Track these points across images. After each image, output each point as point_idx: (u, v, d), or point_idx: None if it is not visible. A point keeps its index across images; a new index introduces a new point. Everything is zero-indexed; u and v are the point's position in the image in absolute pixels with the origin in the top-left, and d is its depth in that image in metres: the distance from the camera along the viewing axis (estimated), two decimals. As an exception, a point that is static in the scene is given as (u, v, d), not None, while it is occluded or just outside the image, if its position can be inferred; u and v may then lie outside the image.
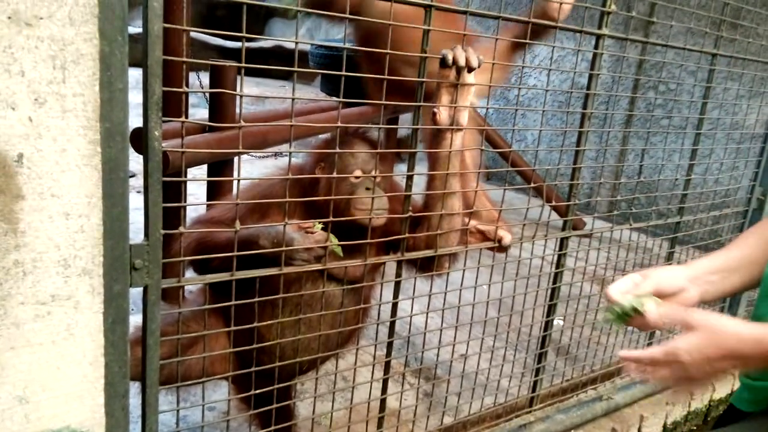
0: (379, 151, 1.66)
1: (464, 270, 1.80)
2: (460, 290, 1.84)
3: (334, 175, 1.54)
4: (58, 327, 1.06)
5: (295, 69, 1.31)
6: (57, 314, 1.05)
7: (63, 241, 1.02)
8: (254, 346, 1.50)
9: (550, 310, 2.15)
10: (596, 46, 1.90)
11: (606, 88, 5.45)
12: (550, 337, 2.18)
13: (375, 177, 1.64)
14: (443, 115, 1.61)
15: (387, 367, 1.76)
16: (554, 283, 2.12)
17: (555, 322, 2.20)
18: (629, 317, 1.21)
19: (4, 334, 1.01)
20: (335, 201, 1.56)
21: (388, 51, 1.43)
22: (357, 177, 1.64)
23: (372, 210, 1.57)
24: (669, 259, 2.55)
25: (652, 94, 5.14)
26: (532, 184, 2.05)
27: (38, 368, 1.06)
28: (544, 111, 1.83)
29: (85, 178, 1.02)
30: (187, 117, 1.24)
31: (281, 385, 1.58)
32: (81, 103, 0.99)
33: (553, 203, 2.58)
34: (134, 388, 1.28)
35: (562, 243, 2.08)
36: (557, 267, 2.10)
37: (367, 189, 1.63)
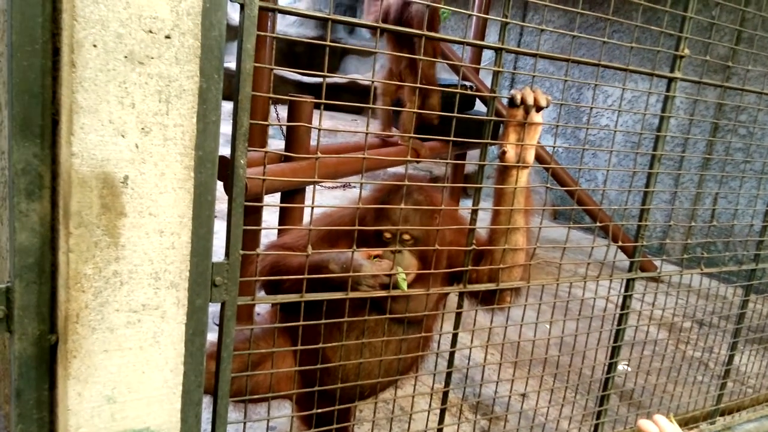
0: (443, 184, 1.72)
1: (525, 306, 1.81)
2: (521, 326, 1.85)
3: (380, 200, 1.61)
4: (146, 334, 1.16)
5: (371, 106, 1.40)
6: (146, 322, 1.15)
7: (156, 256, 1.13)
8: (318, 366, 1.57)
9: (614, 352, 2.11)
10: (668, 89, 1.91)
11: (683, 130, 5.32)
12: (612, 380, 2.13)
13: (403, 242, 1.67)
14: (510, 153, 1.65)
15: (445, 397, 1.78)
16: (619, 325, 2.09)
17: (620, 368, 2.15)
18: None
19: (99, 337, 1.12)
20: None
21: (457, 91, 1.50)
22: (387, 237, 1.70)
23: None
24: (743, 307, 2.46)
25: (730, 138, 4.98)
26: (598, 224, 2.03)
27: (126, 371, 1.16)
28: (611, 151, 1.84)
29: (179, 200, 1.13)
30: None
31: (341, 406, 1.64)
32: (180, 132, 1.11)
33: (620, 243, 2.55)
34: (204, 401, 1.36)
35: (628, 284, 2.05)
36: (622, 309, 2.07)
37: (393, 252, 1.64)
